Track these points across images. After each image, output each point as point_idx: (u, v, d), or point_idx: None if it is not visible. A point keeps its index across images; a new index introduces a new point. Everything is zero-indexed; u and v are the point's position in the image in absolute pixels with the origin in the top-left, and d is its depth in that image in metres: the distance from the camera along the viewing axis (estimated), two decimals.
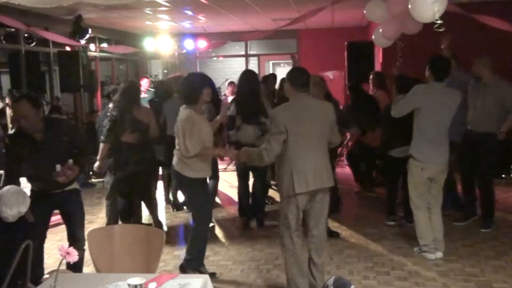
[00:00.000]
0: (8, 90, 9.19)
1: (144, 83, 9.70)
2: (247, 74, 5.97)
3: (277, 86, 7.79)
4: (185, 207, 6.76)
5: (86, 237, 3.68)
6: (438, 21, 4.60)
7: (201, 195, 4.43)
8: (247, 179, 6.18)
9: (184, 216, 6.62)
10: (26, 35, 9.06)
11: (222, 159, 8.54)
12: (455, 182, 6.14)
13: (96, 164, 5.42)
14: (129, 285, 2.37)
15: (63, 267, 3.70)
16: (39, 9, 8.05)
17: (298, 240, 3.97)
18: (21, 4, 5.99)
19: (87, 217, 4.52)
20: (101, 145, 5.27)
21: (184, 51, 11.67)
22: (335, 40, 11.83)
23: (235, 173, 6.40)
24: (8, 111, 7.15)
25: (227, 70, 15.03)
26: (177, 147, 4.34)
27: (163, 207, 7.02)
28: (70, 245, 2.43)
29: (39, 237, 3.95)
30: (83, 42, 9.32)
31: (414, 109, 4.78)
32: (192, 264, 4.42)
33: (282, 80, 6.07)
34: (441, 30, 4.62)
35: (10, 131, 5.93)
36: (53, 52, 9.81)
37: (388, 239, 5.48)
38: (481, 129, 5.55)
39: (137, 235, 3.47)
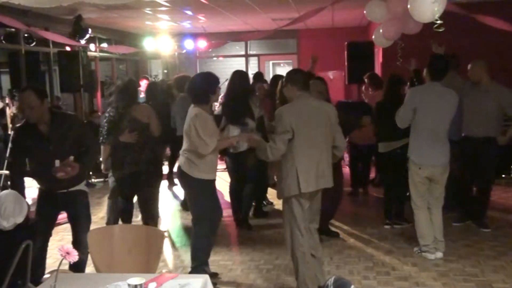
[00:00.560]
0: (8, 90, 9.19)
1: (144, 84, 9.66)
2: (241, 74, 5.88)
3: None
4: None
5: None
6: (438, 21, 4.61)
7: (206, 197, 4.36)
8: (239, 181, 5.99)
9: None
10: (26, 35, 9.04)
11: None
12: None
13: (102, 165, 5.40)
14: (129, 285, 2.37)
15: (66, 268, 3.71)
16: (39, 9, 8.06)
17: (306, 234, 4.00)
18: (21, 4, 5.98)
19: None
20: (102, 146, 5.25)
21: (184, 51, 11.68)
22: (335, 40, 11.85)
23: None
24: (8, 111, 7.16)
25: (227, 70, 14.95)
26: (184, 147, 4.30)
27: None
28: (73, 247, 2.41)
29: (42, 237, 3.93)
30: (83, 42, 9.31)
31: (413, 110, 4.75)
32: (199, 271, 4.25)
33: (282, 80, 6.01)
34: (441, 30, 4.62)
35: (10, 131, 5.93)
36: (53, 52, 9.80)
37: (388, 239, 5.48)
38: (481, 134, 5.46)
39: (137, 235, 3.47)
